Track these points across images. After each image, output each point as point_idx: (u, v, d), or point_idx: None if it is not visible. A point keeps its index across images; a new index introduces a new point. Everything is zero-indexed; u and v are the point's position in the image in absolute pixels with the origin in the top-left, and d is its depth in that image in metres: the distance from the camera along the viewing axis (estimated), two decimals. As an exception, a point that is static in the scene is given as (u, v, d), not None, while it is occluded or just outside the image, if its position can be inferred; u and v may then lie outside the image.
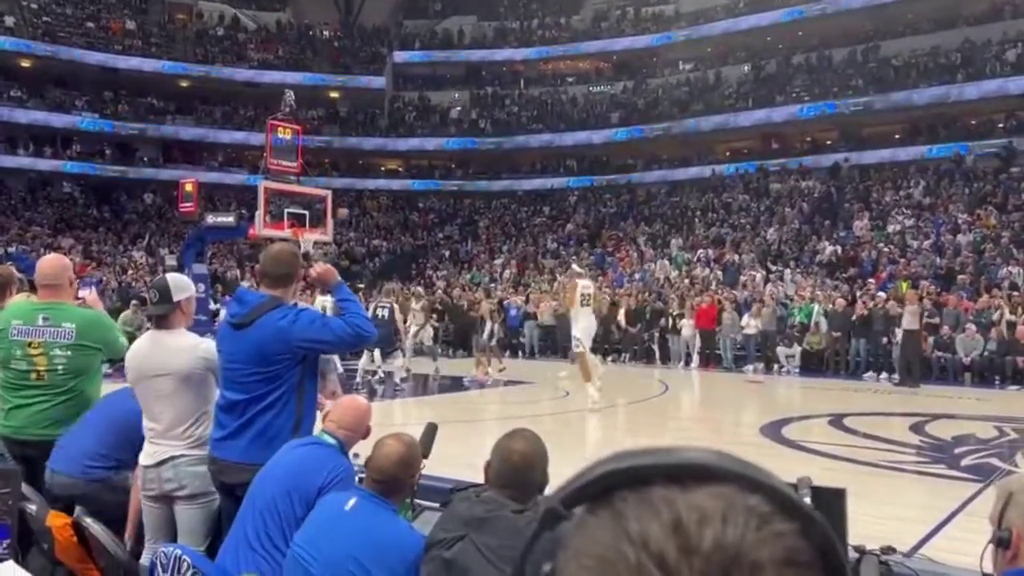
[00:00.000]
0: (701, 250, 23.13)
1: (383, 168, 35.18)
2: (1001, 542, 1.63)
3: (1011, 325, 14.09)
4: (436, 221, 32.27)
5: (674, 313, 17.68)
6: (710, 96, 30.89)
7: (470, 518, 2.20)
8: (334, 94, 34.24)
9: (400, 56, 35.14)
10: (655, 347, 17.81)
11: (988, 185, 22.19)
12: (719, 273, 21.06)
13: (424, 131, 33.62)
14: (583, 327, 10.47)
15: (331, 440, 2.82)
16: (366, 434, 2.94)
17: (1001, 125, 25.31)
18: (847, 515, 2.34)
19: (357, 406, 2.97)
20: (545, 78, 35.58)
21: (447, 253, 28.71)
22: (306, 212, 17.99)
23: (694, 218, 26.08)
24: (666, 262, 22.98)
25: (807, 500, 2.43)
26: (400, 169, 35.26)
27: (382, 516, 2.35)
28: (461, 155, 34.09)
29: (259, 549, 2.48)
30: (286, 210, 17.55)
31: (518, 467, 2.23)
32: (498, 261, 26.35)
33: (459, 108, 34.94)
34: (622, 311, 17.95)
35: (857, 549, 2.33)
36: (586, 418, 10.12)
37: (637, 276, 22.27)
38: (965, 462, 7.62)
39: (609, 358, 18.33)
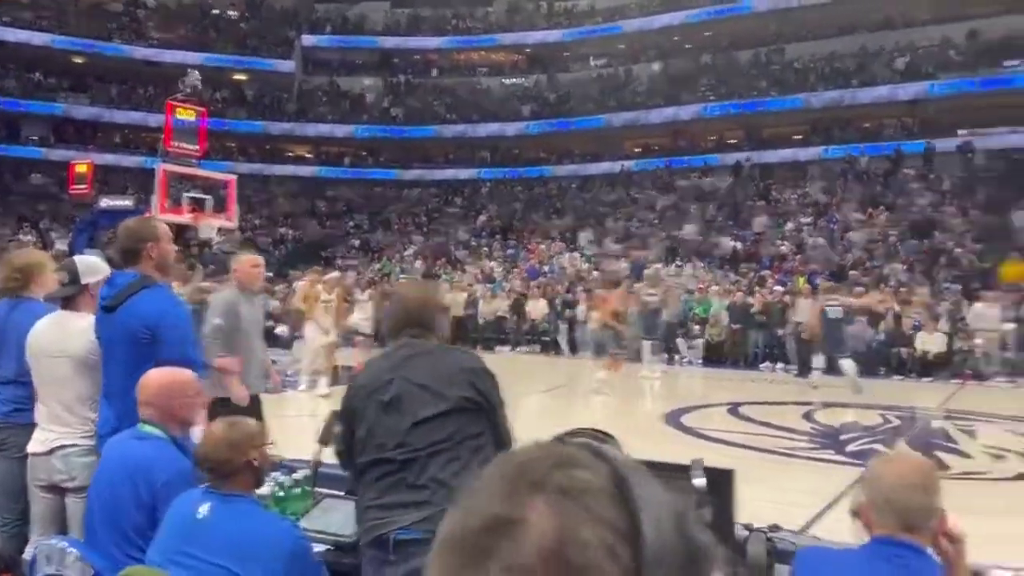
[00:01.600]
0: (610, 244, 23.53)
1: (291, 154, 34.35)
2: (854, 514, 1.78)
3: (897, 318, 14.88)
4: (345, 210, 31.74)
5: (584, 306, 17.93)
6: (621, 92, 31.42)
7: (395, 363, 2.48)
8: (240, 76, 33.19)
9: (309, 40, 34.34)
10: (562, 338, 18.02)
11: (879, 186, 23.34)
12: (626, 266, 21.46)
13: (334, 117, 32.99)
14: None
15: (151, 430, 2.57)
16: (185, 411, 2.67)
17: (891, 129, 26.67)
18: (735, 494, 2.41)
19: (159, 376, 2.66)
20: (459, 68, 35.44)
21: (357, 243, 28.28)
22: (208, 197, 17.40)
23: (604, 212, 26.50)
24: (576, 255, 23.27)
25: (701, 481, 2.50)
26: (309, 155, 34.50)
27: (240, 514, 2.21)
28: (372, 143, 33.62)
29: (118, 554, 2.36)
30: (186, 194, 16.92)
31: (414, 310, 2.56)
32: (409, 252, 26.14)
33: (371, 95, 34.45)
34: (537, 302, 18.22)
35: (745, 527, 2.40)
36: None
37: (547, 269, 22.48)
38: (851, 448, 8.01)
39: (519, 349, 18.50)
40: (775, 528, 2.46)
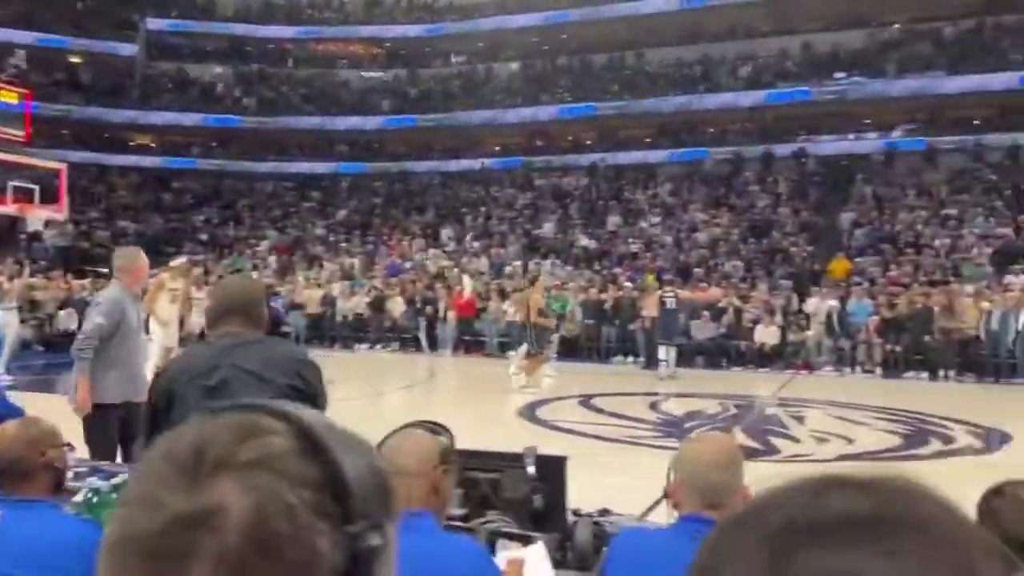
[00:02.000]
0: (470, 241, 23.67)
1: (133, 143, 32.36)
2: (665, 495, 1.87)
3: (738, 313, 15.78)
4: (193, 203, 30.25)
5: (444, 302, 17.99)
6: (481, 90, 31.62)
7: (219, 351, 2.46)
8: (75, 59, 30.93)
9: (154, 23, 32.43)
10: (422, 335, 17.95)
11: (722, 188, 24.66)
12: (486, 263, 21.66)
13: (181, 105, 31.33)
14: None
15: None
16: None
17: (733, 134, 28.27)
18: (566, 481, 2.47)
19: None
20: (315, 59, 34.52)
21: (205, 237, 27.01)
22: (36, 187, 16.11)
23: (464, 209, 26.60)
24: (437, 252, 23.24)
25: (532, 468, 2.55)
26: (153, 145, 32.63)
27: (37, 520, 2.03)
28: (223, 133, 32.18)
29: None
30: (10, 183, 15.59)
31: (236, 301, 2.54)
32: (262, 247, 25.24)
33: (221, 84, 32.98)
34: (397, 300, 18.07)
35: (575, 512, 2.46)
36: (350, 406, 9.96)
37: (408, 266, 22.32)
38: (694, 434, 8.44)
39: (379, 346, 18.27)
40: (605, 512, 2.54)
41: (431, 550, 1.68)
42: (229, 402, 0.56)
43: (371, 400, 10.65)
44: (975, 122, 25.94)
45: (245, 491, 0.46)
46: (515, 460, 2.55)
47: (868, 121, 27.16)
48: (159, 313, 9.25)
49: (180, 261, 10.78)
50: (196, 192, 31.01)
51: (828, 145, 26.22)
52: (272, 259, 23.83)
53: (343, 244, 24.76)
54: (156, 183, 30.98)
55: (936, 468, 7.00)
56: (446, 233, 24.69)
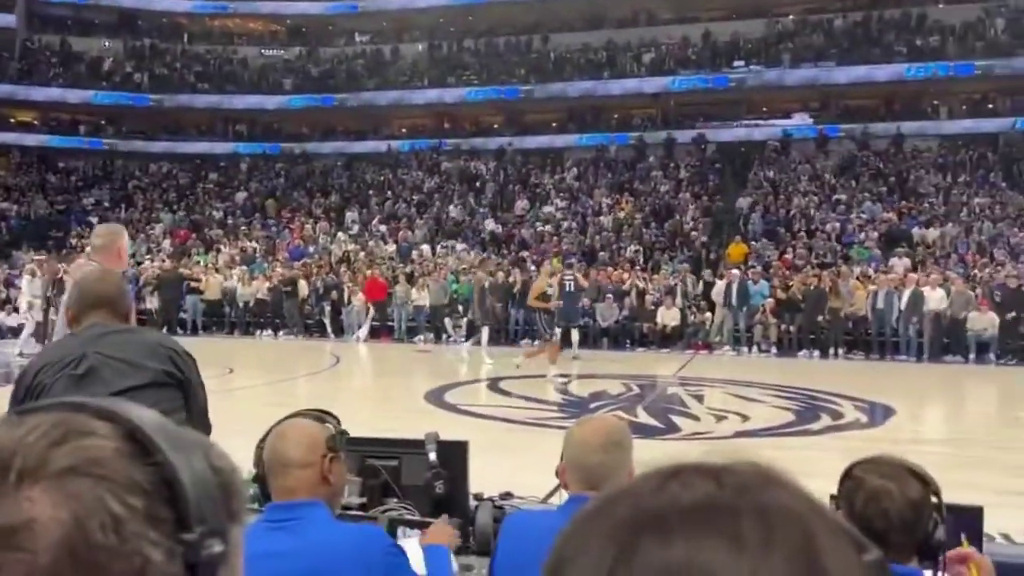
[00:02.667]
0: (376, 225, 23.33)
1: (13, 120, 30.40)
2: (557, 476, 1.89)
3: (640, 296, 16.12)
4: (82, 184, 28.71)
5: (348, 287, 17.72)
6: (387, 71, 31.09)
7: (85, 341, 2.38)
8: (-55, 28, 28.82)
9: (36, -8, 30.52)
10: (327, 320, 17.63)
11: (626, 173, 25.08)
12: (392, 248, 21.41)
13: (66, 81, 29.60)
14: None
15: None
16: None
17: (637, 120, 28.79)
18: (468, 466, 2.44)
19: None
20: (212, 35, 33.20)
21: (95, 220, 25.67)
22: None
23: (369, 192, 26.18)
24: (342, 235, 22.82)
25: (433, 455, 2.51)
26: (36, 122, 30.75)
27: None
28: (113, 111, 30.58)
29: None
30: None
31: (101, 293, 2.47)
32: (156, 230, 24.21)
33: (110, 59, 31.30)
34: (301, 283, 17.70)
35: (476, 496, 2.45)
36: (251, 394, 9.70)
37: (312, 249, 21.83)
38: (598, 414, 8.58)
39: (281, 332, 17.83)
40: (507, 496, 2.53)
41: (325, 539, 1.66)
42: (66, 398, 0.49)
43: (273, 388, 10.38)
44: (863, 111, 27.26)
45: (60, 502, 0.41)
46: (415, 446, 2.51)
47: (765, 109, 28.14)
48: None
49: (39, 258, 10.16)
50: (84, 173, 29.45)
51: (727, 132, 27.03)
52: (167, 243, 22.90)
53: (243, 228, 24.00)
54: (40, 163, 29.25)
55: (825, 443, 7.33)
56: (351, 216, 24.26)
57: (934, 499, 1.65)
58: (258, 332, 17.93)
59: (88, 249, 9.46)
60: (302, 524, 1.67)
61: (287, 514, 1.69)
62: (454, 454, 2.47)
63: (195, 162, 30.12)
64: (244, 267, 19.44)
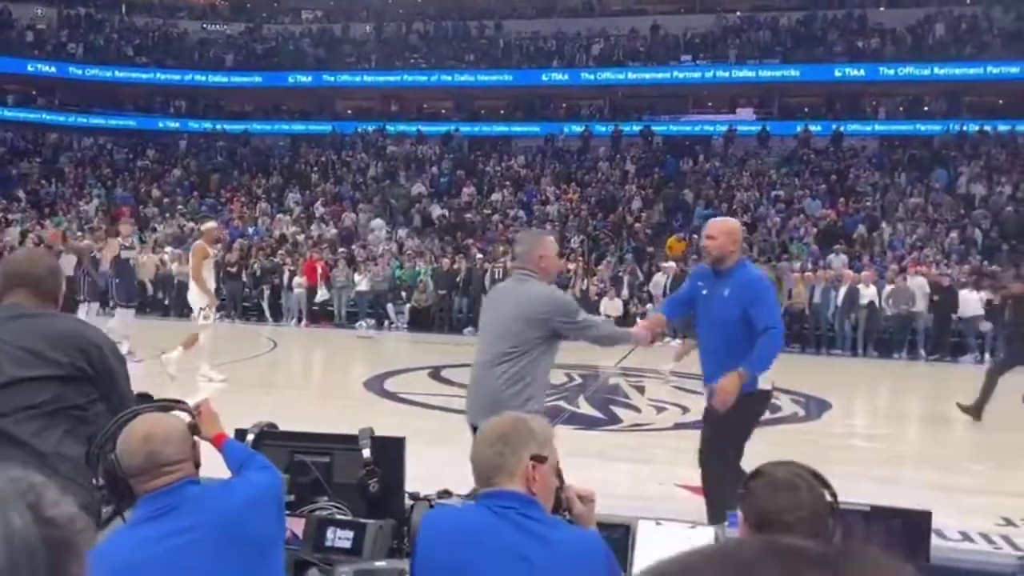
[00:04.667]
0: (319, 207, 22.88)
1: (-64, 88, 28.99)
2: None
3: (585, 286, 16.14)
4: (10, 157, 27.47)
5: (289, 270, 17.32)
6: (334, 51, 30.47)
7: None
8: None
9: (-39, -47, 29.05)
10: (265, 304, 17.24)
11: (573, 164, 25.08)
12: (334, 231, 21.03)
13: (-4, 48, 28.30)
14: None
15: None
16: None
17: (585, 110, 28.83)
18: (404, 463, 2.33)
19: None
20: (152, 7, 32.08)
21: (22, 195, 24.62)
22: None
23: (312, 173, 25.65)
24: (284, 217, 22.32)
25: (367, 451, 2.38)
26: (-41, 91, 29.36)
27: None
28: (45, 82, 29.34)
29: None
30: None
31: (23, 273, 2.34)
32: (88, 207, 23.32)
33: (43, 27, 30.00)
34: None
35: (412, 496, 2.33)
36: (185, 379, 9.36)
37: (252, 231, 21.30)
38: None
39: (218, 314, 17.35)
40: (445, 494, 2.42)
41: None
42: None
43: (203, 375, 10.03)
44: (804, 109, 27.80)
45: None
46: (349, 442, 2.38)
47: (710, 104, 28.46)
48: (208, 283, 8.99)
49: (209, 225, 9.81)
50: (13, 145, 28.19)
51: (673, 126, 27.25)
52: (98, 220, 22.07)
53: (179, 207, 23.30)
54: (-37, 133, 27.95)
55: (764, 436, 7.39)
56: (292, 198, 23.75)
57: (832, 503, 1.66)
58: (192, 314, 17.41)
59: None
60: (188, 506, 1.75)
61: (172, 499, 1.75)
62: (390, 451, 2.35)
63: (131, 137, 29.12)
64: (176, 248, 18.84)
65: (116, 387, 2.29)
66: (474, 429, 3.53)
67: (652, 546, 2.17)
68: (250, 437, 2.40)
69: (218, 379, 9.07)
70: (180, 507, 1.74)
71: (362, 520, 2.23)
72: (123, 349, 9.60)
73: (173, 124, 30.03)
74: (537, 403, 3.55)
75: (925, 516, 2.02)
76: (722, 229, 3.98)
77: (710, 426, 4.06)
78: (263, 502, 1.85)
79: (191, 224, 21.50)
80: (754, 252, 17.92)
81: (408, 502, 2.31)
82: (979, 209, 19.85)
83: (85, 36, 29.97)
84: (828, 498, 1.64)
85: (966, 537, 4.51)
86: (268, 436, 2.44)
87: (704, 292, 4.02)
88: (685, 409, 8.46)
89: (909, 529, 2.00)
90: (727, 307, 3.81)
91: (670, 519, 2.24)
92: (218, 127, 29.70)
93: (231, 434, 2.26)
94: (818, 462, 5.49)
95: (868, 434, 7.53)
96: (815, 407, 8.94)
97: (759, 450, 6.58)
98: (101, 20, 30.85)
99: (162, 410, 1.98)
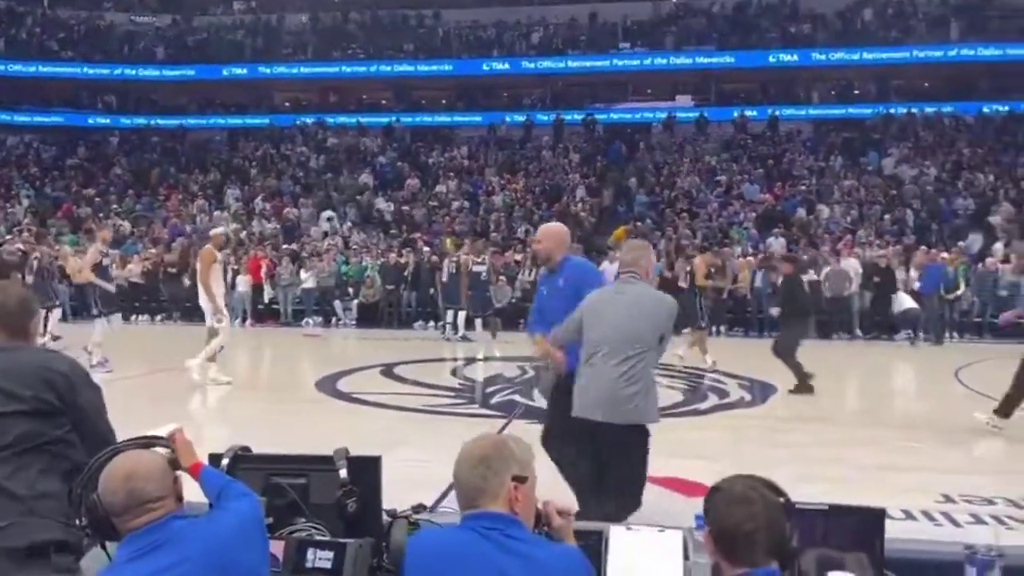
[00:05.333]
0: (259, 202, 22.50)
1: None
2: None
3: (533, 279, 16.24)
4: (-72, 157, 26.38)
5: (232, 268, 17.01)
6: (269, 43, 29.90)
7: None
8: None
9: None
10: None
11: (517, 153, 25.14)
12: (276, 227, 20.72)
13: (-93, 44, 27.05)
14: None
15: None
16: None
17: (527, 100, 28.89)
18: (380, 482, 2.37)
19: None
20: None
21: (-56, 196, 23.67)
22: None
23: (251, 168, 25.19)
24: (223, 214, 21.89)
25: (344, 471, 2.41)
26: None
27: None
28: (-36, 78, 28.21)
29: None
30: None
31: (13, 310, 2.35)
32: (16, 210, 22.52)
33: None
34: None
35: (389, 513, 2.37)
36: (130, 386, 9.17)
37: (190, 228, 20.84)
38: (494, 400, 8.58)
39: (158, 318, 17.02)
40: (419, 508, 2.46)
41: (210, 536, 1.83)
42: None
43: (154, 379, 9.86)
44: (741, 95, 28.33)
45: None
46: (325, 463, 2.40)
47: (650, 91, 28.79)
48: (215, 290, 8.86)
49: (217, 230, 9.97)
50: (-70, 145, 27.07)
51: (614, 113, 27.51)
52: (27, 221, 21.34)
53: (114, 207, 22.66)
54: None
55: (714, 422, 7.61)
56: (232, 194, 23.31)
57: (786, 509, 1.77)
58: (133, 317, 17.02)
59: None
60: (173, 542, 1.78)
61: (157, 535, 1.78)
62: (366, 470, 2.38)
63: (60, 136, 28.17)
64: (115, 249, 18.34)
65: (87, 422, 2.26)
66: (584, 424, 3.78)
67: (624, 551, 2.26)
68: (225, 462, 2.41)
69: (223, 380, 9.07)
70: (165, 544, 1.76)
71: (341, 540, 2.25)
72: (93, 359, 9.55)
73: (103, 120, 29.12)
74: (653, 398, 3.83)
75: (879, 513, 2.15)
76: (547, 234, 4.62)
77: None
78: (247, 530, 1.89)
79: (125, 224, 20.97)
80: (697, 238, 18.28)
81: (386, 519, 2.35)
82: (909, 186, 20.53)
83: (7, 30, 28.85)
84: (775, 502, 1.74)
85: (908, 516, 4.74)
86: (243, 460, 2.44)
87: (545, 293, 4.57)
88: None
89: (864, 526, 2.13)
90: (565, 294, 4.26)
91: (640, 524, 2.33)
92: (151, 123, 28.92)
93: (205, 459, 2.28)
94: (766, 447, 5.73)
95: (812, 416, 7.79)
96: (759, 391, 9.21)
97: (708, 437, 6.78)
98: (23, 13, 29.74)
99: (142, 447, 1.98)
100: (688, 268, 11.33)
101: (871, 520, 2.15)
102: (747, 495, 1.73)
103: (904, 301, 14.33)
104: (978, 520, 4.71)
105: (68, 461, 2.17)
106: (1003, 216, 18.13)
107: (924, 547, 2.35)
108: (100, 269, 10.27)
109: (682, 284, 11.30)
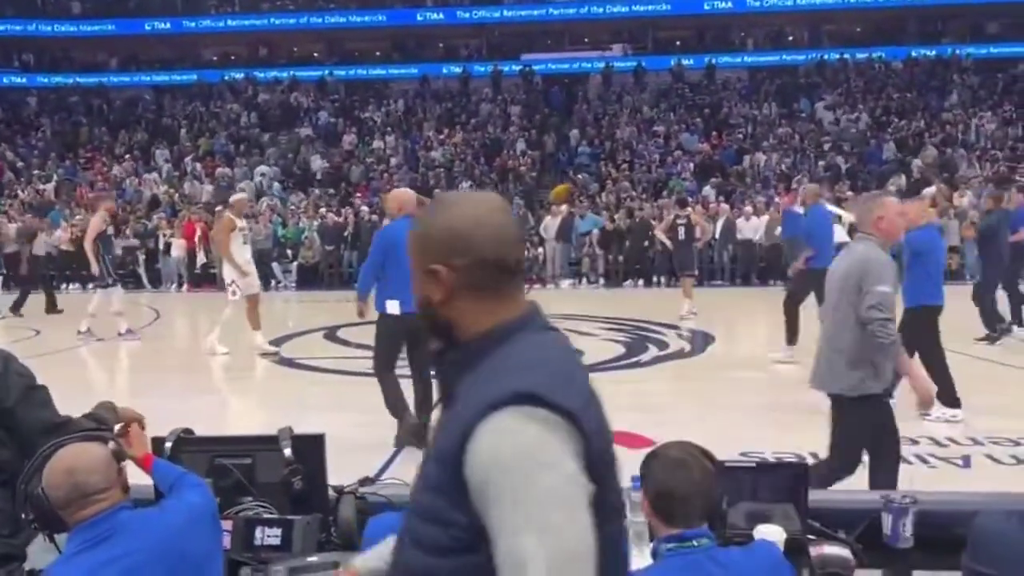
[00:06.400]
0: (190, 163, 21.88)
1: None
2: None
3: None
4: None
5: (165, 233, 16.63)
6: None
7: None
8: None
9: None
10: (141, 270, 16.51)
11: (456, 106, 24.81)
12: (210, 188, 20.19)
13: None
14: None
15: None
16: None
17: (464, 51, 28.44)
18: (325, 458, 2.40)
19: None
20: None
21: None
22: None
23: (180, 128, 24.40)
24: (154, 176, 21.25)
25: (288, 450, 2.44)
26: None
27: None
28: None
29: None
30: None
31: None
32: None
33: None
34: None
35: (336, 489, 2.41)
36: (65, 359, 8.96)
37: (118, 193, 20.17)
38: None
39: (90, 286, 16.52)
40: (366, 481, 2.51)
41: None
42: None
43: (89, 349, 9.64)
44: (677, 43, 28.38)
45: None
46: (269, 443, 2.42)
47: (586, 40, 28.64)
48: (237, 258, 8.50)
49: (239, 196, 9.85)
50: None
51: (553, 64, 27.33)
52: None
53: (36, 171, 21.78)
54: None
55: (655, 374, 7.81)
56: (161, 155, 22.59)
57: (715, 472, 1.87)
58: (64, 286, 16.52)
59: None
60: (121, 533, 1.78)
61: (104, 527, 1.77)
62: (310, 448, 2.41)
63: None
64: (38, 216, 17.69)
65: (19, 423, 2.10)
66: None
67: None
68: (168, 445, 2.41)
69: (221, 352, 8.83)
70: (113, 535, 1.76)
71: (289, 517, 2.29)
72: (122, 327, 9.79)
73: (19, 80, 27.76)
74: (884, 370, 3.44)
75: (803, 467, 2.28)
76: (391, 197, 5.84)
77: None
78: (197, 520, 1.91)
79: (47, 187, 20.20)
80: (637, 190, 18.45)
81: (332, 495, 2.39)
82: (837, 133, 20.98)
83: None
84: (708, 467, 1.83)
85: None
86: (186, 443, 2.45)
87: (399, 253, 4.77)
88: (580, 352, 8.71)
89: (789, 481, 2.26)
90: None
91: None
92: (71, 81, 27.68)
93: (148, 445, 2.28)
94: (708, 397, 5.88)
95: (747, 363, 8.05)
96: (700, 340, 9.44)
97: (649, 389, 6.97)
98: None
99: (86, 439, 1.96)
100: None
101: (797, 474, 2.27)
102: (683, 460, 1.81)
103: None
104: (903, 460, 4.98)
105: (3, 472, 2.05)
106: (924, 160, 18.70)
107: (845, 497, 2.49)
108: (105, 239, 10.00)
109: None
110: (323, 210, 17.55)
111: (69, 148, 23.59)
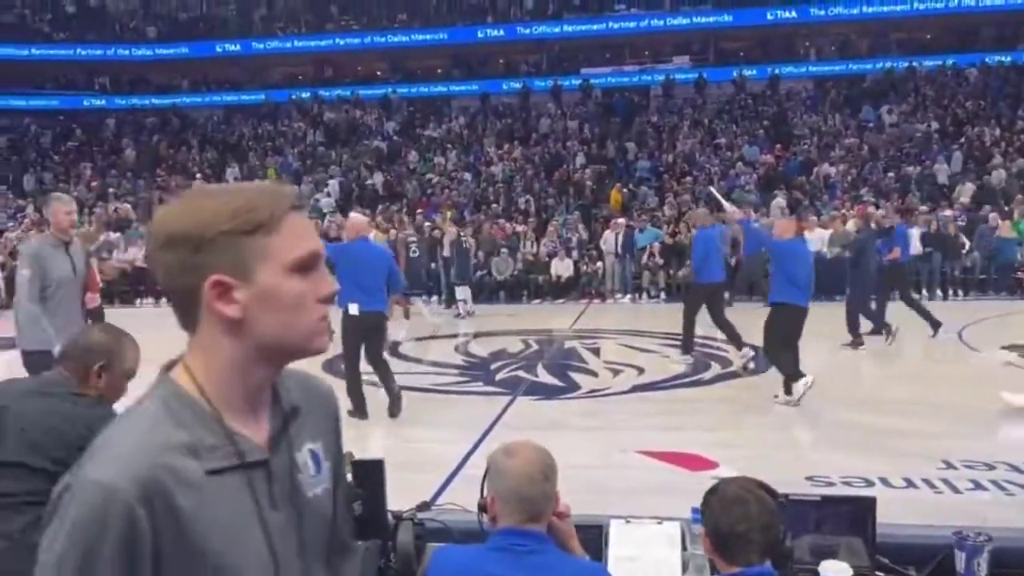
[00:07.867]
0: (260, 180, 22.45)
1: None
2: (481, 508, 1.92)
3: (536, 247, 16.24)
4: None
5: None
6: (261, 16, 29.64)
7: (23, 391, 2.33)
8: None
9: None
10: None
11: (516, 122, 24.93)
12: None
13: None
14: None
15: None
16: None
17: (523, 67, 28.65)
18: (384, 484, 2.42)
19: None
20: (64, -21, 30.74)
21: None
22: None
23: (249, 147, 25.10)
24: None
25: (349, 475, 2.47)
26: None
27: None
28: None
29: None
30: None
31: (88, 347, 2.37)
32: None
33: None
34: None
35: (395, 515, 2.43)
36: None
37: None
38: (499, 376, 8.64)
39: (164, 300, 17.05)
40: (424, 507, 2.53)
41: None
42: None
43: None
44: (740, 54, 28.03)
45: None
46: (329, 468, 2.47)
47: (647, 53, 28.50)
48: None
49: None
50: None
51: (612, 78, 27.28)
52: (31, 210, 21.39)
53: (111, 190, 22.63)
54: None
55: (716, 392, 7.68)
56: (231, 173, 23.25)
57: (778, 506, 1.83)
58: (138, 301, 17.12)
59: None
60: None
61: None
62: (370, 473, 2.44)
63: (54, 118, 28.05)
64: (115, 234, 18.37)
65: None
66: None
67: (624, 543, 2.32)
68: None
69: None
70: None
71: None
72: None
73: (99, 102, 28.96)
74: None
75: (870, 502, 2.21)
76: (348, 224, 7.15)
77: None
78: None
79: (126, 206, 20.95)
80: (699, 204, 18.19)
81: (392, 521, 2.41)
82: (910, 142, 20.39)
83: (-4, 14, 28.63)
84: (770, 503, 1.80)
85: (910, 484, 4.82)
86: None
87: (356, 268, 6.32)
88: (640, 370, 8.66)
89: (855, 514, 2.19)
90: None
91: (638, 516, 2.39)
92: (146, 102, 28.77)
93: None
94: (771, 416, 5.74)
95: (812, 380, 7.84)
96: (762, 359, 9.20)
97: (710, 407, 6.84)
98: (11, -4, 29.48)
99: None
100: None
101: (863, 507, 2.21)
102: (741, 496, 1.79)
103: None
104: (978, 486, 4.79)
105: None
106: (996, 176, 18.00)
107: (915, 531, 2.41)
108: None
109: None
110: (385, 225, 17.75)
111: (146, 167, 24.47)
